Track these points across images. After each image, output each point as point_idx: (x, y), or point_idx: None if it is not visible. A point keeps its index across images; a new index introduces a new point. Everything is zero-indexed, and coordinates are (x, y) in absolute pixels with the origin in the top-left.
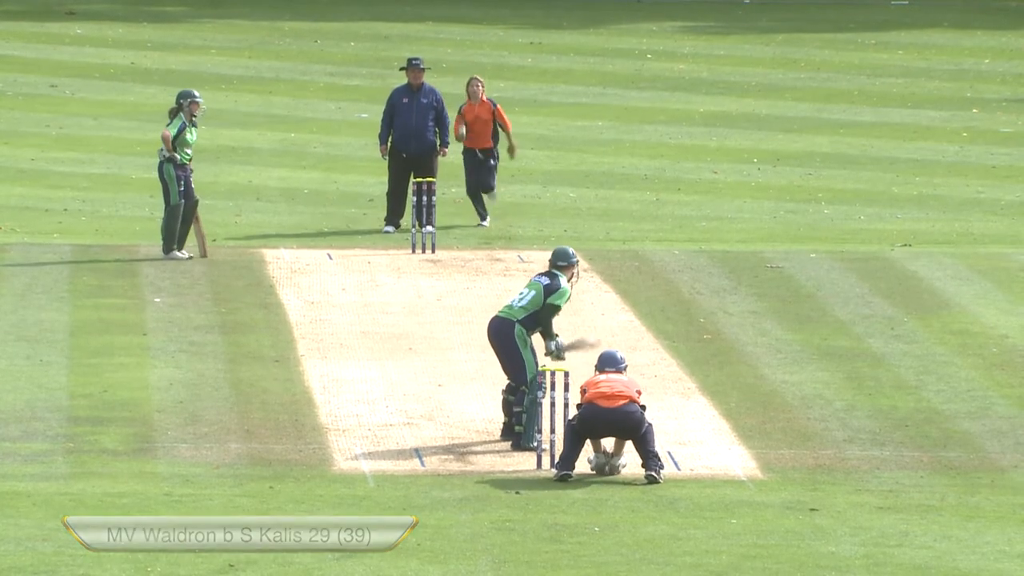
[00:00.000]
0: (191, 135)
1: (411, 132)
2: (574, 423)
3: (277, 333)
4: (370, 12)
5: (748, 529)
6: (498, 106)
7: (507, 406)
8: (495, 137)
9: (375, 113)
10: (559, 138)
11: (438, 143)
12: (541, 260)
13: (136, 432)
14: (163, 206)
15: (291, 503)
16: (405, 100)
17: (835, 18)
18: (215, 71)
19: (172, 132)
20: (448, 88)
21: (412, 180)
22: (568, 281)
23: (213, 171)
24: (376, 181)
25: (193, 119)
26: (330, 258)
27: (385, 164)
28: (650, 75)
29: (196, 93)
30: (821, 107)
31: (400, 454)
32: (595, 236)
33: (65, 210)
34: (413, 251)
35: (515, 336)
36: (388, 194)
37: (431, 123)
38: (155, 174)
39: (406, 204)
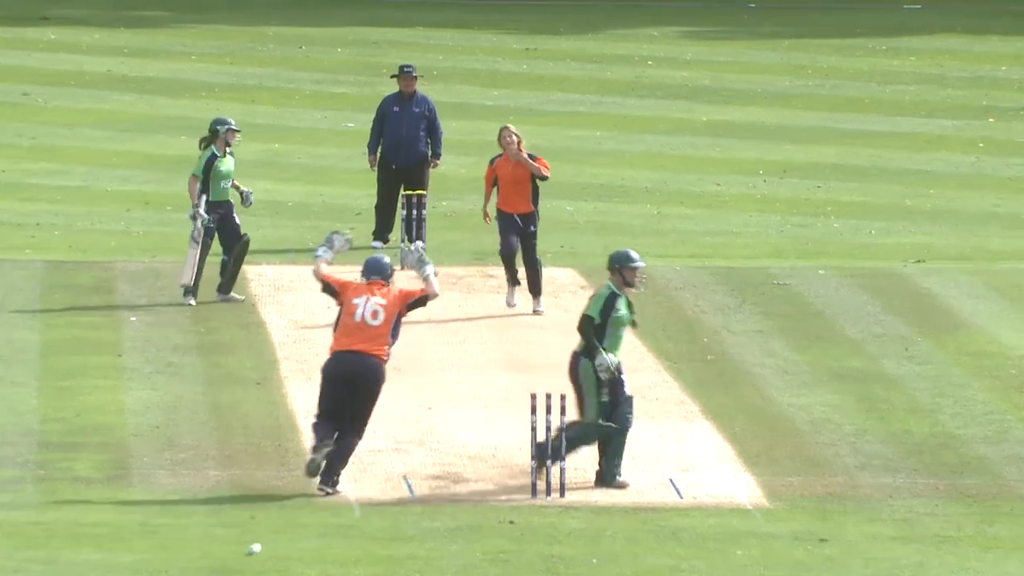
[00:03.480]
0: (224, 165)
1: (401, 142)
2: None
3: (259, 354)
4: (358, 17)
5: (755, 561)
6: (538, 158)
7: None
8: (535, 197)
9: (363, 123)
10: (555, 149)
11: (429, 154)
12: None
13: (110, 458)
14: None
15: (273, 533)
16: (396, 109)
17: (844, 23)
18: (195, 78)
19: (200, 169)
20: (438, 96)
21: (402, 193)
22: (619, 288)
23: None
24: (364, 194)
25: (228, 149)
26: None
27: (373, 176)
28: (650, 82)
29: (232, 121)
30: (830, 116)
31: (388, 481)
32: (593, 251)
33: (38, 224)
34: (402, 268)
35: (579, 370)
36: (376, 207)
37: (422, 133)
38: (134, 186)
39: (395, 218)
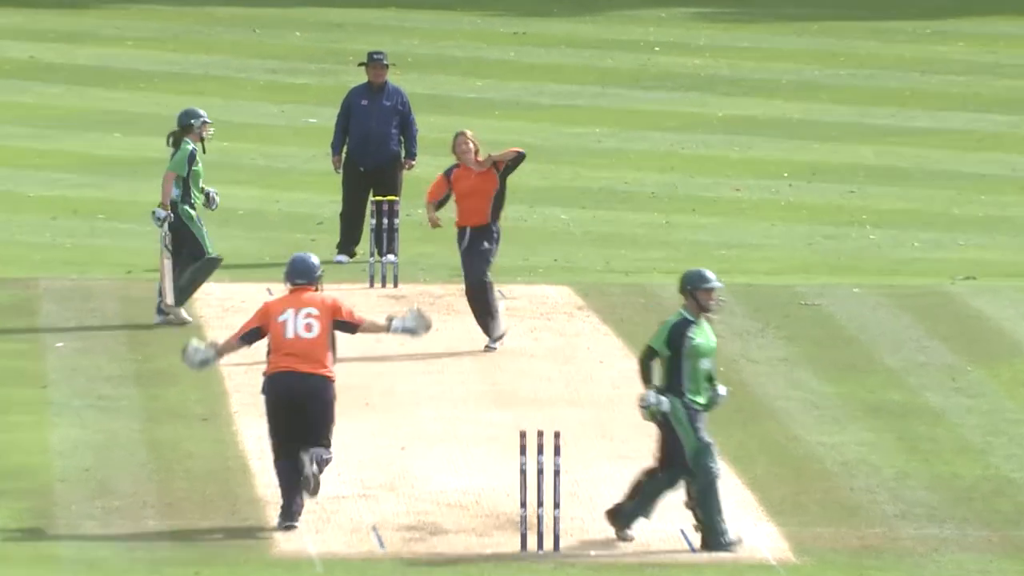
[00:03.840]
0: (201, 163)
1: (370, 140)
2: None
3: (205, 385)
4: None
5: None
6: (499, 162)
7: (636, 486)
8: (497, 208)
9: (326, 118)
10: (548, 148)
11: (402, 154)
12: (528, 296)
13: (32, 506)
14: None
15: None
16: (364, 102)
17: (882, 3)
18: (131, 67)
19: (182, 167)
20: (412, 87)
21: (371, 199)
22: (693, 313)
23: (129, 187)
24: (327, 200)
25: (202, 144)
26: (270, 293)
27: (338, 179)
28: (658, 71)
29: (204, 113)
30: (865, 110)
31: (355, 533)
32: (592, 267)
33: None
34: (371, 285)
35: (667, 411)
36: (341, 216)
37: (394, 130)
38: (61, 191)
39: (363, 228)
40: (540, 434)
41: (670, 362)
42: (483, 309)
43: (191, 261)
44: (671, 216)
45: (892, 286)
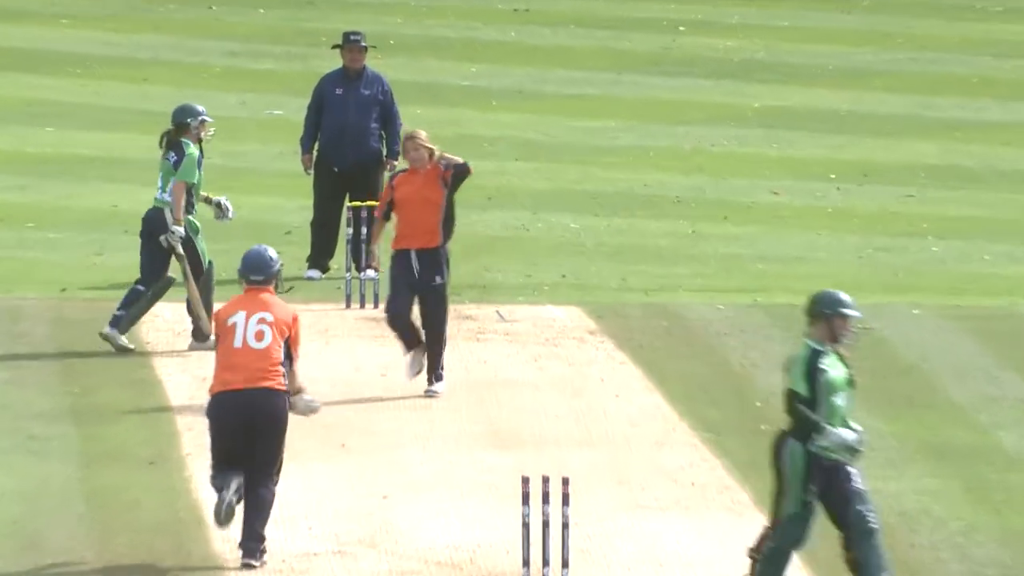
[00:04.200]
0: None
1: (346, 136)
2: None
3: (153, 423)
4: None
5: None
6: (449, 169)
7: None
8: (448, 228)
9: (295, 109)
10: (554, 145)
11: (384, 152)
12: (531, 318)
13: None
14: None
15: None
16: (339, 91)
17: None
18: (68, 49)
19: (192, 173)
20: (396, 74)
21: (347, 205)
22: (824, 342)
23: (63, 191)
24: (296, 206)
25: (200, 145)
26: None
27: (309, 181)
28: (683, 55)
29: (202, 109)
30: (926, 101)
31: None
32: (605, 284)
33: None
34: (348, 305)
35: (785, 454)
36: (313, 224)
37: (374, 124)
38: None
39: (338, 239)
40: (545, 480)
41: (807, 402)
42: (434, 354)
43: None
44: (698, 225)
45: (958, 307)
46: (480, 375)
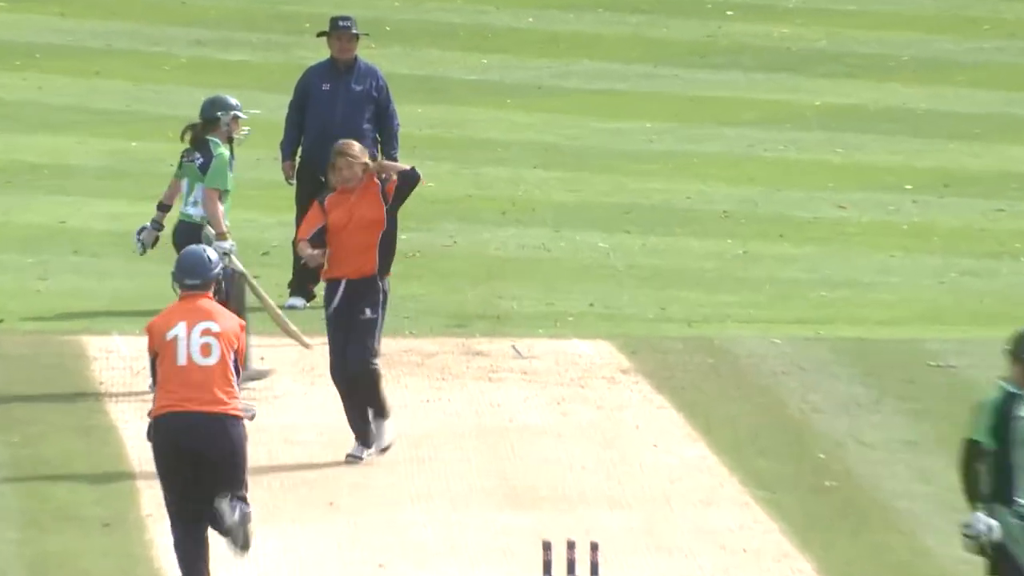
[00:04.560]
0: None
1: (334, 139)
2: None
3: (108, 478)
4: None
5: None
6: (391, 180)
7: None
8: (385, 253)
9: (274, 108)
10: (580, 150)
11: (379, 157)
12: (553, 354)
13: None
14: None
15: None
16: (326, 87)
17: None
18: (5, 38)
19: (223, 178)
20: (393, 66)
21: None
22: (1022, 389)
23: (0, 204)
24: (275, 222)
25: (231, 145)
26: None
27: (291, 193)
28: (731, 45)
29: (237, 102)
30: (1018, 97)
31: None
32: (640, 314)
33: None
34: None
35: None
36: (295, 243)
37: (367, 124)
38: None
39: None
40: (571, 546)
41: (994, 457)
42: (363, 404)
43: None
44: (749, 244)
45: None
46: (493, 421)
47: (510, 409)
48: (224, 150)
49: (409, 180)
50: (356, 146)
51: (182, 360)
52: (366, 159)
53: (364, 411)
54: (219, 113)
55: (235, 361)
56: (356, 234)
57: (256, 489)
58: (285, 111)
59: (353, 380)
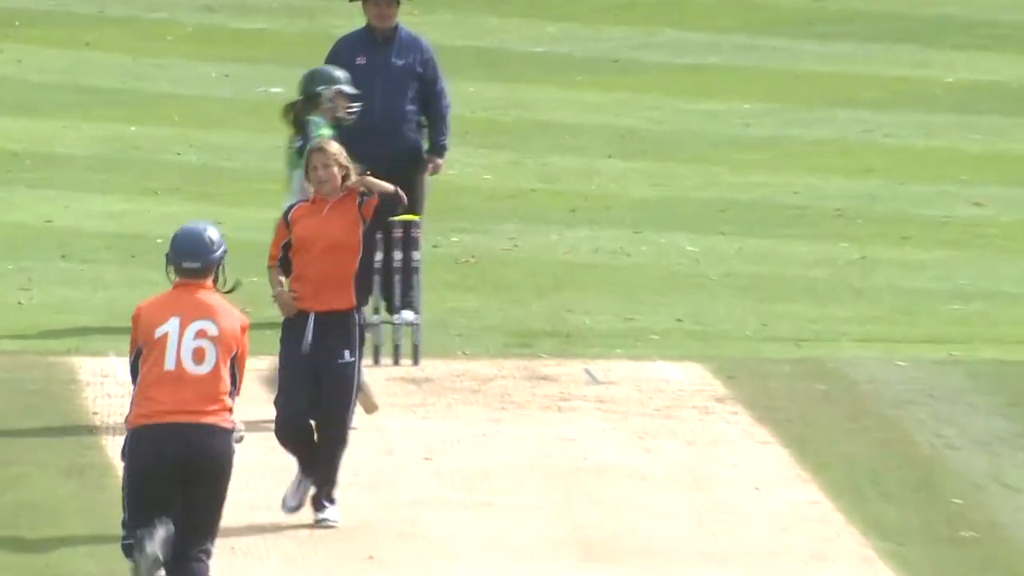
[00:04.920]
0: None
1: (373, 123)
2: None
3: (103, 527)
4: None
5: None
6: (371, 199)
7: None
8: (366, 282)
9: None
10: (663, 136)
11: (425, 146)
12: (634, 379)
13: None
14: None
15: None
16: (361, 61)
17: None
18: None
19: (298, 162)
20: (442, 37)
21: None
22: None
23: None
24: None
25: (337, 122)
26: None
27: None
28: (843, 10)
29: (342, 75)
30: None
31: None
32: (737, 331)
33: None
34: (377, 361)
35: None
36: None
37: (411, 106)
38: None
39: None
40: None
41: None
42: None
43: None
44: (868, 248)
45: None
46: (563, 459)
47: (584, 445)
48: (326, 130)
49: (389, 205)
50: (334, 145)
51: (170, 364)
52: (345, 161)
53: (327, 468)
54: (320, 88)
55: (233, 367)
56: (322, 258)
57: (279, 539)
58: None
59: (320, 429)
